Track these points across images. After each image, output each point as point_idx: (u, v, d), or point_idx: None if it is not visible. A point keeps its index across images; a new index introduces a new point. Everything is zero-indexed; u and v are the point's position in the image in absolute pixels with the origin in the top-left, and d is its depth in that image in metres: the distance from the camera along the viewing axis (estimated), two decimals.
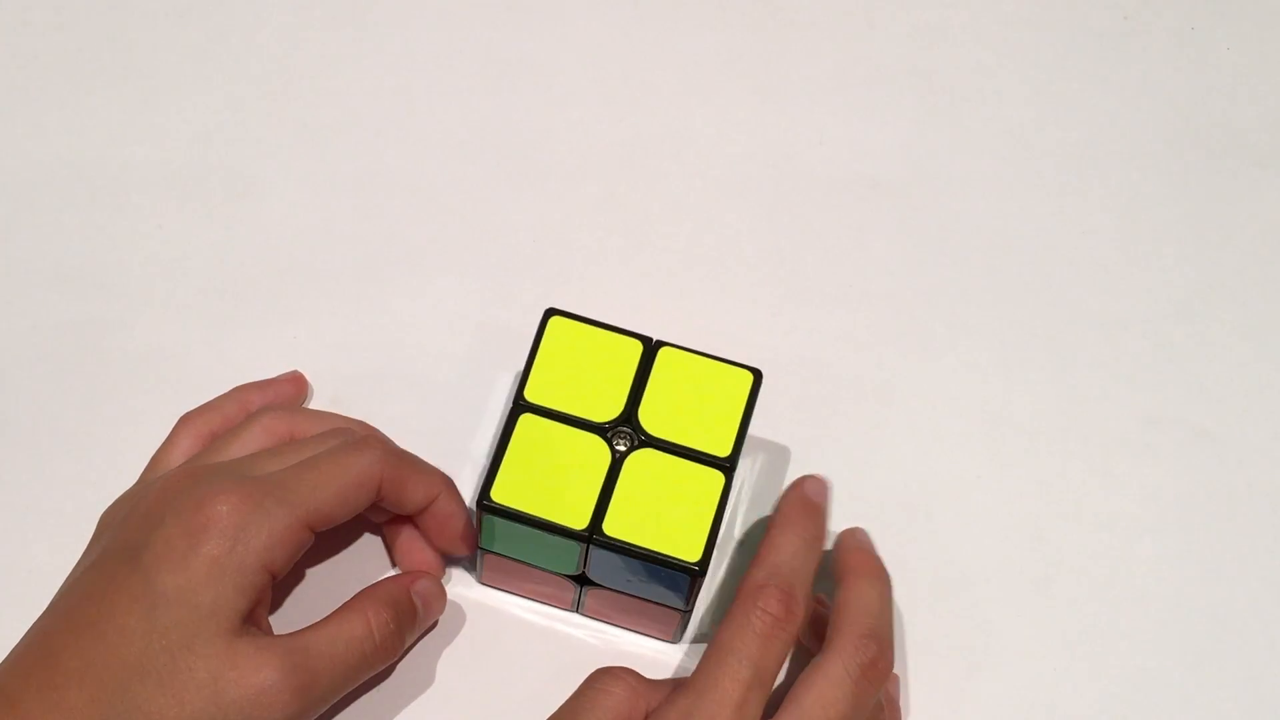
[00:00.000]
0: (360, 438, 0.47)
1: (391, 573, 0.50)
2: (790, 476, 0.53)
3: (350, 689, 0.46)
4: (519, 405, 0.47)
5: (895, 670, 0.50)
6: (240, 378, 0.52)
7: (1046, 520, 0.53)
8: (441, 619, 0.50)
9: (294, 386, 0.53)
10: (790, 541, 0.46)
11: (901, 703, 0.50)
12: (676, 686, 0.44)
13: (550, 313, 0.49)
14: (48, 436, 0.52)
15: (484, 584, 0.51)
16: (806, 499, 0.48)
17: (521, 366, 0.48)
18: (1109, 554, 0.53)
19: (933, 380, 0.56)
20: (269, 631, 0.46)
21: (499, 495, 0.46)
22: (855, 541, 0.50)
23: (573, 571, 0.47)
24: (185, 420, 0.51)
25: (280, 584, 0.48)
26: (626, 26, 0.63)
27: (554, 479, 0.46)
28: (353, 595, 0.47)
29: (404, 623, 0.47)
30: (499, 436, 0.47)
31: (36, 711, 0.42)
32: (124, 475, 0.50)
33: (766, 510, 0.53)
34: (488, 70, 0.61)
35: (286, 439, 0.49)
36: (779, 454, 0.54)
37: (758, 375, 0.48)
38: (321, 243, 0.57)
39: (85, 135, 0.59)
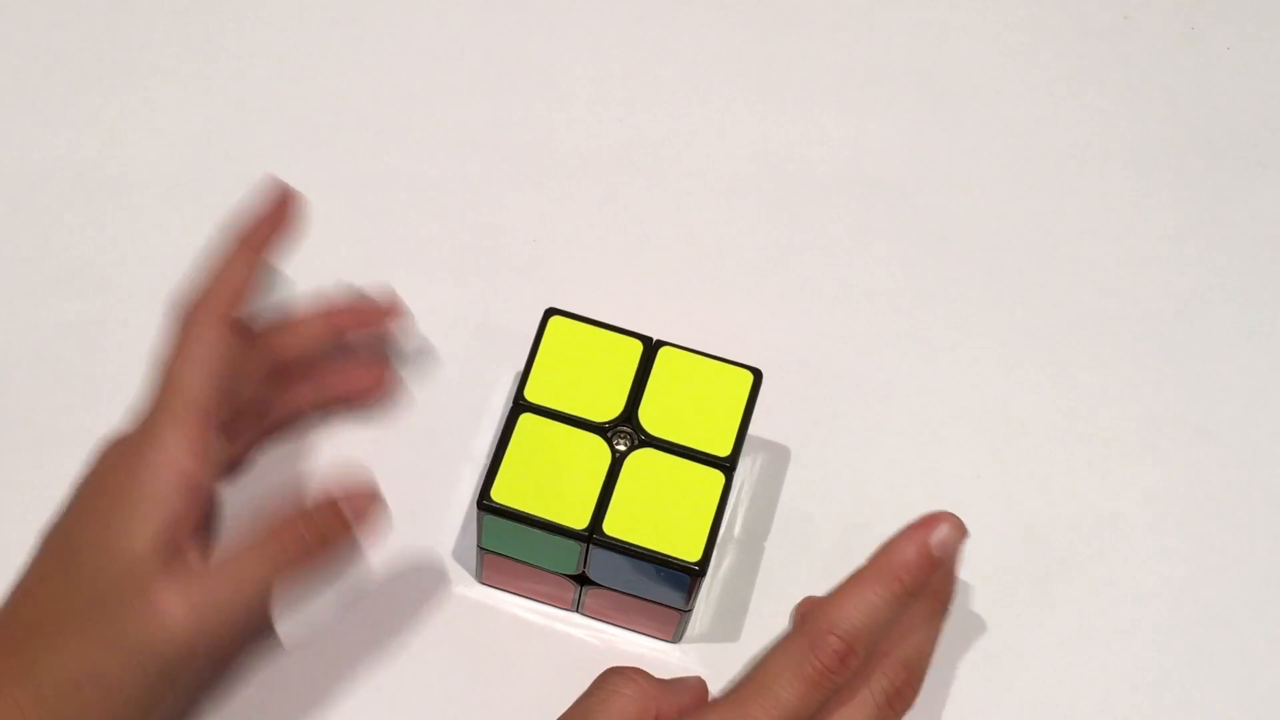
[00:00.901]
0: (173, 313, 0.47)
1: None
2: (790, 475, 0.53)
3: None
4: (519, 405, 0.47)
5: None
6: None
7: (1046, 520, 0.53)
8: (442, 618, 0.50)
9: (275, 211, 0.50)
10: (876, 593, 0.42)
11: None
12: (707, 704, 0.42)
13: (550, 312, 0.49)
14: (48, 436, 0.52)
15: (484, 584, 0.51)
16: (925, 549, 0.42)
17: (522, 366, 0.48)
18: (1109, 554, 0.53)
19: (933, 380, 0.56)
20: (207, 545, 0.45)
21: (499, 495, 0.46)
22: (909, 539, 0.43)
23: (573, 571, 0.47)
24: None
25: None
26: (626, 26, 0.63)
27: (554, 479, 0.46)
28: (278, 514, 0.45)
29: (322, 553, 0.45)
30: (499, 436, 0.47)
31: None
32: None
33: (767, 509, 0.53)
34: (488, 70, 0.61)
35: None
36: (779, 453, 0.54)
37: (758, 375, 0.48)
38: (321, 242, 0.57)
39: (85, 135, 0.59)
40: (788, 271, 0.58)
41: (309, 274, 0.56)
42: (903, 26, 0.64)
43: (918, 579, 0.42)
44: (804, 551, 0.52)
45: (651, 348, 0.48)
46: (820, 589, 0.51)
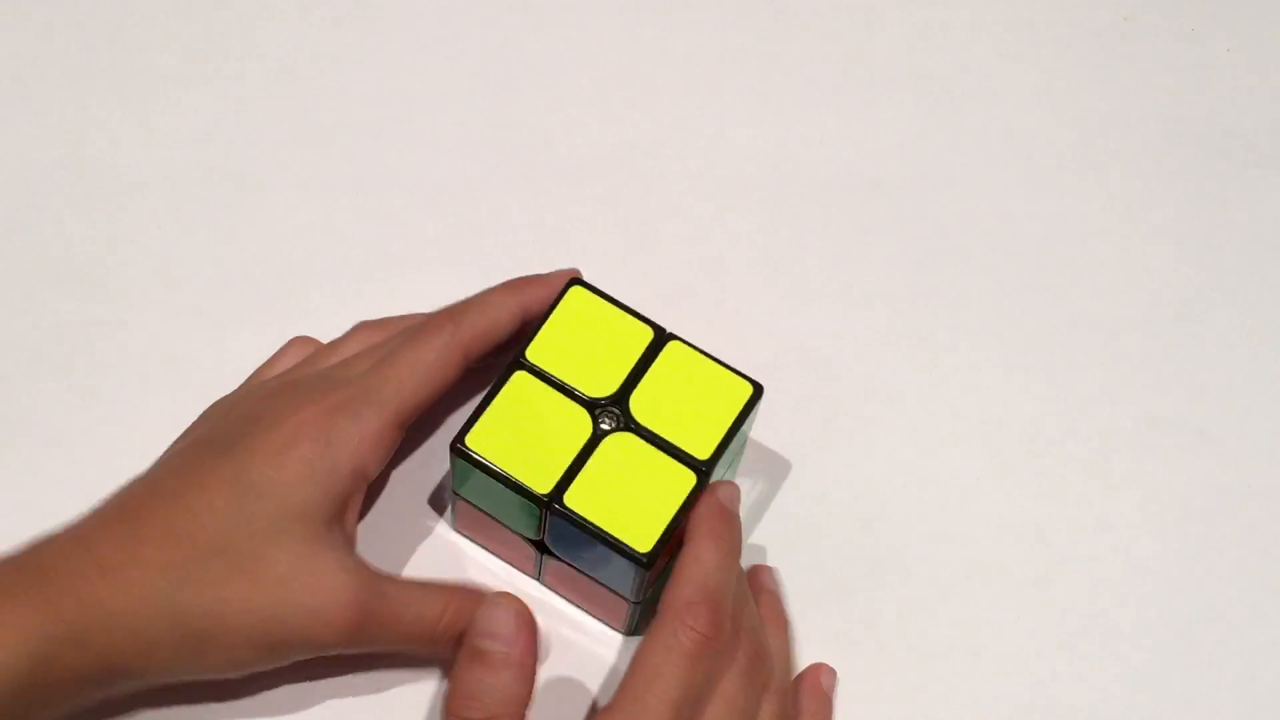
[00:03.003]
0: (426, 320, 0.49)
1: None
2: (790, 480, 0.53)
3: (391, 652, 0.47)
4: (517, 362, 0.47)
5: (880, 667, 0.50)
6: (240, 377, 0.52)
7: (1046, 520, 0.53)
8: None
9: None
10: (713, 554, 0.44)
11: (902, 702, 0.50)
12: (603, 709, 0.43)
13: (573, 281, 0.49)
14: (48, 436, 0.52)
15: (457, 530, 0.51)
16: (724, 508, 0.46)
17: None
18: (1109, 554, 0.53)
19: (933, 380, 0.56)
20: (353, 537, 0.47)
21: (473, 442, 0.46)
22: (708, 503, 0.47)
23: (533, 536, 0.48)
24: (295, 339, 0.52)
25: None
26: (626, 26, 0.63)
27: (531, 441, 0.46)
28: (456, 581, 0.48)
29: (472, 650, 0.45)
30: (490, 389, 0.47)
31: (114, 561, 0.43)
32: (124, 475, 0.50)
33: (759, 518, 0.53)
34: (488, 70, 0.61)
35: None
36: (778, 455, 0.54)
37: (758, 389, 0.48)
38: (321, 243, 0.57)
39: (85, 135, 0.59)
40: (787, 272, 0.58)
41: (308, 274, 0.56)
42: (903, 26, 0.64)
43: (733, 534, 0.46)
44: (802, 553, 0.52)
45: (662, 338, 0.48)
46: (820, 592, 0.51)
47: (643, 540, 0.45)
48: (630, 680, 0.43)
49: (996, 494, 0.54)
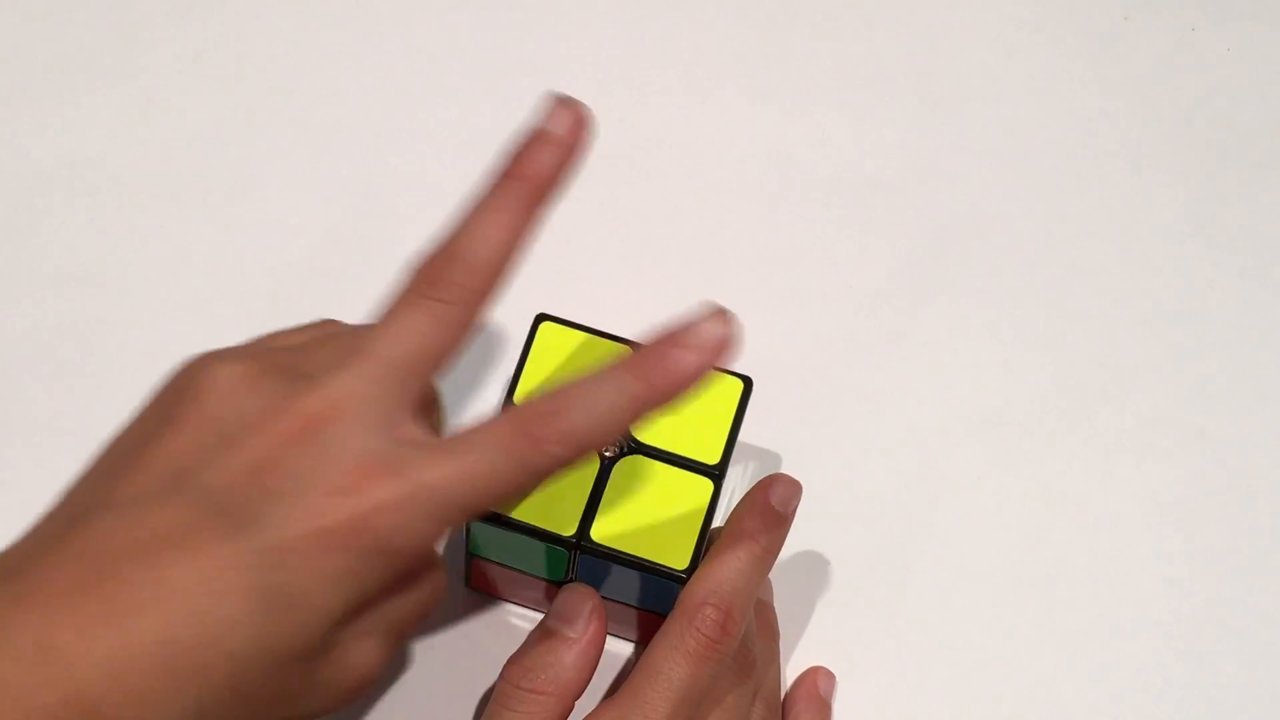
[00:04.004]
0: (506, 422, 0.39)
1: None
2: None
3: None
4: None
5: (879, 669, 0.50)
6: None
7: (1046, 520, 0.53)
8: (429, 622, 0.49)
9: None
10: (737, 558, 0.44)
11: (902, 703, 0.50)
12: (605, 701, 0.43)
13: (541, 318, 0.49)
14: (48, 436, 0.52)
15: (471, 588, 0.50)
16: (768, 508, 0.45)
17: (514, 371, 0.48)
18: (1109, 554, 0.53)
19: (932, 380, 0.56)
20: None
21: None
22: (751, 501, 0.45)
23: (561, 578, 0.47)
24: (325, 322, 0.45)
25: None
26: (626, 26, 0.63)
27: (541, 485, 0.46)
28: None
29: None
30: None
31: (97, 656, 0.34)
32: None
33: None
34: (488, 70, 0.61)
35: None
36: (775, 456, 0.54)
37: (748, 383, 0.48)
38: (321, 243, 0.57)
39: (85, 135, 0.59)
40: (787, 271, 0.58)
41: (307, 274, 0.56)
42: (903, 26, 0.64)
43: (770, 536, 0.44)
44: (802, 554, 0.52)
45: None
46: (819, 592, 0.51)
47: (678, 558, 0.45)
48: (634, 675, 0.43)
49: (996, 494, 0.54)
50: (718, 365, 0.39)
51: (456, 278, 0.40)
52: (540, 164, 0.41)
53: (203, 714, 0.35)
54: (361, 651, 0.39)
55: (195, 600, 0.35)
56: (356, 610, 0.38)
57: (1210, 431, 0.55)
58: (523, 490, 0.40)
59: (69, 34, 0.61)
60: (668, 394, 0.38)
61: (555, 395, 0.39)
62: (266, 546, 0.36)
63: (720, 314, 0.39)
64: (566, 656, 0.44)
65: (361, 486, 0.36)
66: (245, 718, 0.36)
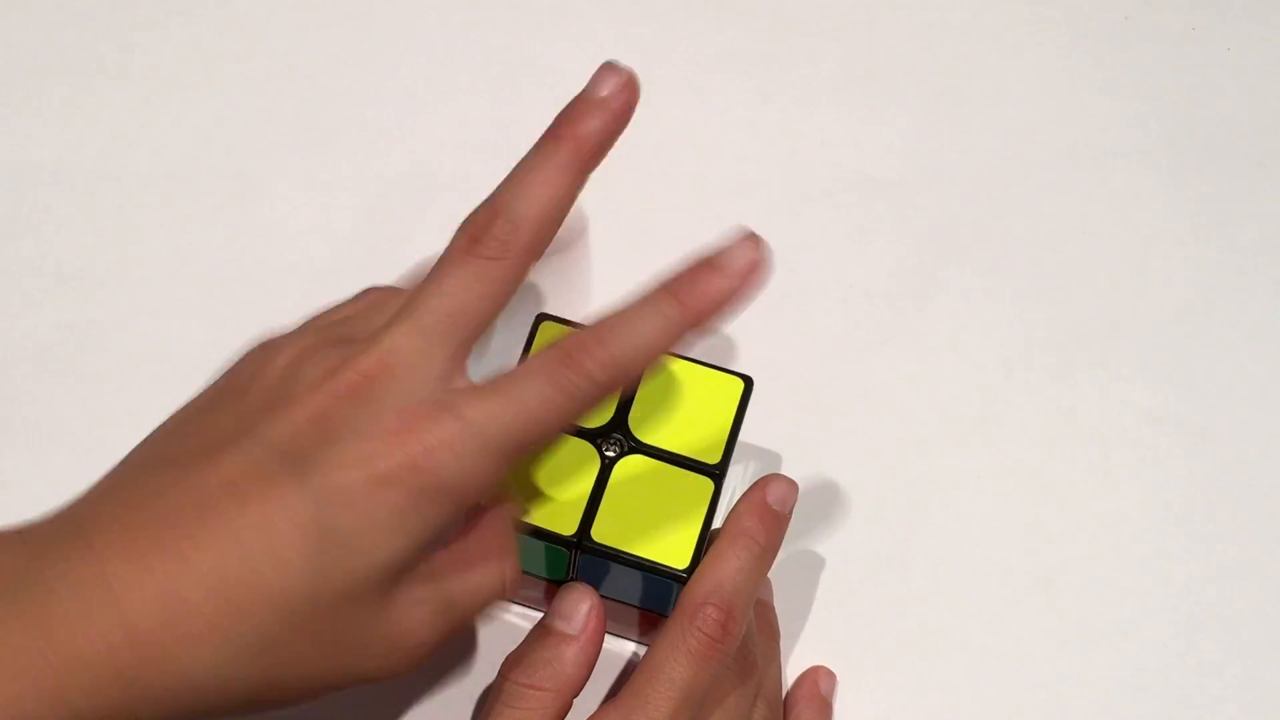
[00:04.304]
0: (551, 353, 0.40)
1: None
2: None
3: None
4: None
5: (880, 668, 0.50)
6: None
7: (1046, 520, 0.53)
8: None
9: None
10: (737, 557, 0.44)
11: (902, 702, 0.50)
12: (606, 703, 0.43)
13: (541, 318, 0.49)
14: (48, 436, 0.52)
15: None
16: (766, 508, 0.45)
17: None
18: (1109, 554, 0.53)
19: (932, 380, 0.56)
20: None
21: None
22: (749, 500, 0.45)
23: (561, 577, 0.47)
24: (372, 290, 0.46)
25: None
26: (626, 26, 0.63)
27: (542, 485, 0.46)
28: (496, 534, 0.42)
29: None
30: None
31: (149, 628, 0.35)
32: None
33: None
34: (489, 70, 0.61)
35: None
36: (775, 456, 0.54)
37: (749, 382, 0.48)
38: (321, 243, 0.57)
39: (85, 135, 0.59)
40: (787, 272, 0.58)
41: (308, 274, 0.56)
42: (903, 26, 0.64)
43: (768, 536, 0.45)
44: (801, 554, 0.52)
45: None
46: (816, 593, 0.51)
47: (678, 557, 0.45)
48: (635, 676, 0.43)
49: (996, 494, 0.54)
50: (750, 288, 0.40)
51: (501, 234, 0.41)
52: (587, 126, 0.43)
53: (261, 651, 0.36)
54: (417, 617, 0.39)
55: (248, 540, 0.35)
56: (413, 560, 0.38)
57: (1210, 431, 0.55)
58: (570, 420, 0.40)
59: (69, 34, 0.61)
60: (704, 316, 0.40)
61: (597, 326, 0.40)
62: (321, 488, 0.36)
63: (751, 238, 0.41)
64: (566, 653, 0.44)
65: (413, 428, 0.37)
66: (304, 660, 0.37)
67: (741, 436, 0.47)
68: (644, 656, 0.43)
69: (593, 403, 0.39)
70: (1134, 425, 0.55)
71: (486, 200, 0.42)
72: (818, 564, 0.52)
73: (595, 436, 0.47)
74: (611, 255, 0.57)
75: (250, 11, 0.62)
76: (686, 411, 0.47)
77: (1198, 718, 0.50)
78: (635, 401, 0.47)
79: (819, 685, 0.48)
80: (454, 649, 0.49)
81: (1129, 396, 0.56)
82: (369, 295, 0.47)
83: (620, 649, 0.50)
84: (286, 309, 0.55)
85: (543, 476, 0.46)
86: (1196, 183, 0.61)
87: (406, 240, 0.57)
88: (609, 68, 0.43)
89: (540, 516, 0.45)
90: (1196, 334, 0.57)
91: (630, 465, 0.46)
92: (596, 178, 0.59)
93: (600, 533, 0.45)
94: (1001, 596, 0.52)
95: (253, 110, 0.60)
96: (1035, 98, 0.63)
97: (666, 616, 0.47)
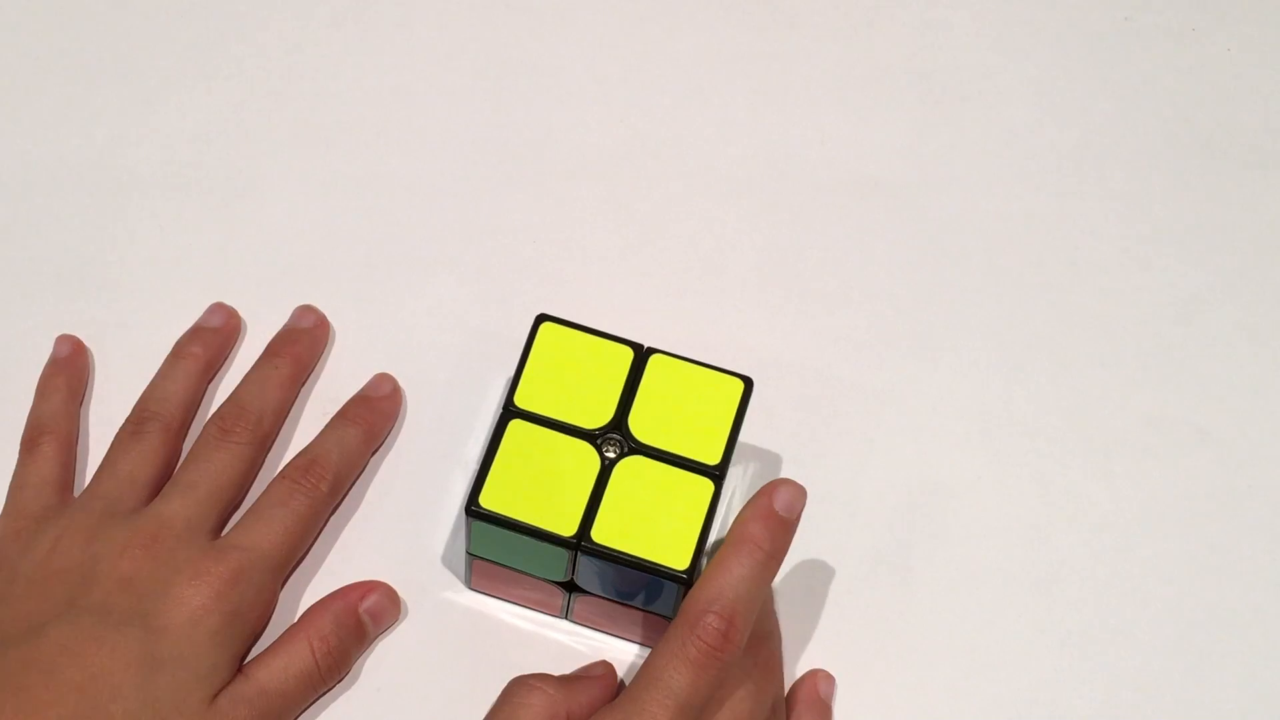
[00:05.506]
0: (292, 475, 0.49)
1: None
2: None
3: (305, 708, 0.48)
4: (508, 411, 0.47)
5: (880, 670, 0.50)
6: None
7: (1046, 520, 0.53)
8: (430, 625, 0.50)
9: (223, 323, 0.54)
10: (741, 564, 0.44)
11: (903, 705, 0.50)
12: (605, 707, 0.43)
13: (541, 319, 0.49)
14: None
15: (473, 589, 0.50)
16: (772, 514, 0.45)
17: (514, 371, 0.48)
18: (1109, 554, 0.53)
19: (933, 381, 0.56)
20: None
21: (487, 501, 0.45)
22: (755, 506, 0.45)
23: (561, 578, 0.47)
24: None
25: None
26: (626, 26, 0.63)
27: (543, 485, 0.46)
28: (300, 614, 0.48)
29: (349, 645, 0.48)
30: (488, 442, 0.47)
31: None
32: None
33: None
34: (488, 70, 0.61)
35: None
36: (776, 456, 0.54)
37: (748, 384, 0.48)
38: (321, 243, 0.57)
39: (85, 135, 0.59)
40: (787, 272, 0.58)
41: (308, 274, 0.56)
42: (903, 26, 0.64)
43: (774, 542, 0.44)
44: (801, 555, 0.52)
45: (642, 355, 0.48)
46: (815, 596, 0.51)
47: (678, 558, 0.45)
48: (634, 682, 0.43)
49: (996, 494, 0.54)
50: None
51: (249, 425, 0.50)
52: (299, 347, 0.53)
53: None
54: (241, 715, 0.45)
55: (89, 686, 0.43)
56: (232, 671, 0.46)
57: (1210, 431, 0.55)
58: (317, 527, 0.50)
59: (69, 33, 0.61)
60: None
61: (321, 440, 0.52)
62: (147, 631, 0.44)
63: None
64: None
65: (211, 570, 0.46)
66: None
67: (741, 437, 0.47)
68: (644, 663, 0.43)
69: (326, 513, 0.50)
70: (1134, 425, 0.55)
71: (231, 399, 0.51)
72: (818, 566, 0.52)
73: (595, 437, 0.47)
74: (611, 255, 0.57)
75: (250, 12, 0.62)
76: (687, 412, 0.47)
77: (1198, 718, 0.50)
78: (636, 402, 0.47)
79: (818, 688, 0.48)
80: (455, 649, 0.49)
81: (1129, 397, 0.56)
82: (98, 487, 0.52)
83: (621, 649, 0.50)
84: (286, 309, 0.55)
85: (543, 477, 0.46)
86: (1196, 183, 0.61)
87: (405, 240, 0.57)
88: (304, 309, 0.54)
89: (540, 517, 0.45)
90: (1197, 334, 0.57)
91: (630, 466, 0.46)
92: (597, 178, 0.60)
93: (600, 533, 0.45)
94: (1002, 597, 0.52)
95: (253, 110, 0.60)
96: (1035, 98, 0.63)
97: (666, 617, 0.47)
